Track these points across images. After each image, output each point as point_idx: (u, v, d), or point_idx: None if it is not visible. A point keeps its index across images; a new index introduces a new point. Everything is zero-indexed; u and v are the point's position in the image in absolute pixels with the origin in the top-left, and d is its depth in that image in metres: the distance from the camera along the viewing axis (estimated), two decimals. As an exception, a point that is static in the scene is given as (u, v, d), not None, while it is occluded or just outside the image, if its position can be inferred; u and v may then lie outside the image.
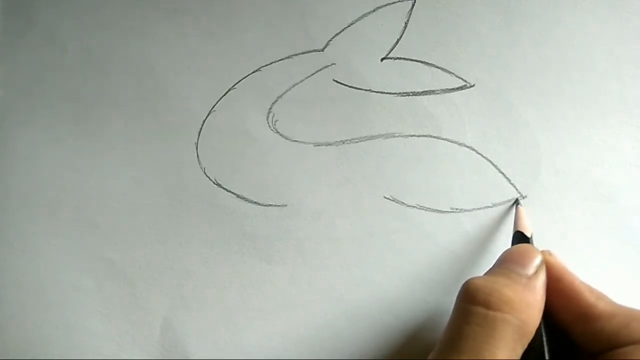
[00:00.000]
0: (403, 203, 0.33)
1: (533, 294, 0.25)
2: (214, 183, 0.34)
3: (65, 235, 0.35)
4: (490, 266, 0.28)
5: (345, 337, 0.33)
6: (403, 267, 0.33)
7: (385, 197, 0.33)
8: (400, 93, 0.34)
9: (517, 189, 0.33)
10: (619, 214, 0.32)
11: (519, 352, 0.24)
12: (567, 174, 0.33)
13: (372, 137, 0.34)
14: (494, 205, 0.33)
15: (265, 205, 0.34)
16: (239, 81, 0.34)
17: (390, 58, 0.34)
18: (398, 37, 0.34)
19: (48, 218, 0.35)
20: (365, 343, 0.33)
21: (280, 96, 0.34)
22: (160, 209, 0.34)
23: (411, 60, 0.34)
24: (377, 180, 0.34)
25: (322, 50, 0.34)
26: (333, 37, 0.34)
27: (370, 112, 0.34)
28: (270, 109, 0.34)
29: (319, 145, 0.34)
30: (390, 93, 0.34)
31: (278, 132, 0.34)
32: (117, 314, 0.34)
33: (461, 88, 0.33)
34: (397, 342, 0.32)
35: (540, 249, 0.28)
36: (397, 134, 0.34)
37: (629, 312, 0.25)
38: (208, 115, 0.34)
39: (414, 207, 0.33)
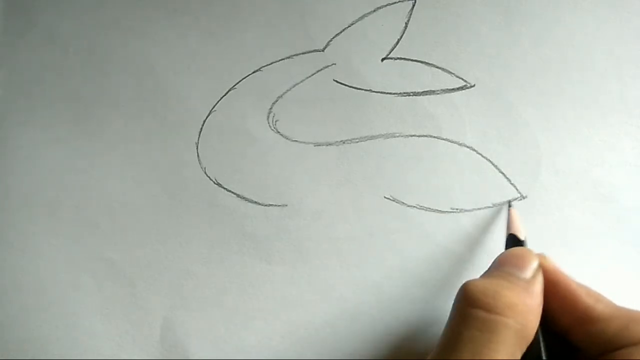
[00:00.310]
0: (403, 203, 0.33)
1: (532, 297, 0.25)
2: (214, 183, 0.34)
3: (65, 235, 0.35)
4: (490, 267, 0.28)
5: (345, 337, 0.33)
6: (403, 267, 0.33)
7: (385, 197, 0.33)
8: (400, 93, 0.34)
9: (517, 189, 0.33)
10: (619, 214, 0.32)
11: (518, 355, 0.24)
12: (567, 174, 0.33)
13: (372, 137, 0.34)
14: (494, 205, 0.33)
15: (265, 205, 0.34)
16: (239, 81, 0.34)
17: (391, 58, 0.34)
18: (398, 37, 0.34)
19: (48, 218, 0.35)
20: (365, 343, 0.33)
21: (281, 96, 0.34)
22: (160, 209, 0.34)
23: (411, 60, 0.34)
24: (377, 180, 0.34)
25: (323, 50, 0.34)
26: (333, 37, 0.34)
27: (371, 112, 0.34)
28: (270, 109, 0.34)
29: (319, 145, 0.34)
30: (390, 93, 0.34)
31: (278, 132, 0.34)
32: (117, 314, 0.34)
33: (461, 88, 0.33)
34: (396, 342, 0.32)
35: (535, 252, 0.28)
36: (397, 134, 0.34)
37: (628, 314, 0.25)
38: (208, 115, 0.34)
39: (414, 207, 0.33)
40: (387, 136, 0.34)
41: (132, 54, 0.35)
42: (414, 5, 0.34)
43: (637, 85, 0.33)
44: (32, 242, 0.35)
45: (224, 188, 0.34)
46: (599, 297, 0.26)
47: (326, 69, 0.34)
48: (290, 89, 0.34)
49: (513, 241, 0.30)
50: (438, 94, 0.33)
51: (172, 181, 0.34)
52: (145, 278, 0.34)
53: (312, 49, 0.34)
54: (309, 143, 0.34)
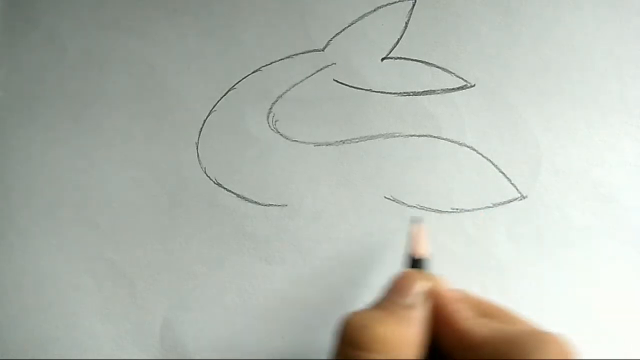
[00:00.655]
0: (403, 203, 0.33)
1: (408, 327, 0.24)
2: (214, 183, 0.34)
3: (65, 235, 0.35)
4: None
5: (345, 337, 0.33)
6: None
7: (385, 197, 0.33)
8: (400, 93, 0.34)
9: (517, 189, 0.33)
10: (619, 214, 0.32)
11: None
12: (567, 174, 0.33)
13: (372, 137, 0.34)
14: (494, 205, 0.33)
15: (265, 205, 0.34)
16: (239, 81, 0.34)
17: (391, 58, 0.34)
18: (398, 37, 0.34)
19: (48, 218, 0.35)
20: (365, 343, 0.33)
21: (281, 96, 0.34)
22: (160, 209, 0.34)
23: (411, 60, 0.34)
24: (377, 180, 0.34)
25: (323, 50, 0.34)
26: (333, 37, 0.34)
27: (371, 112, 0.34)
28: (270, 109, 0.34)
29: (319, 145, 0.34)
30: (390, 93, 0.34)
31: (278, 132, 0.34)
32: (117, 314, 0.34)
33: (461, 88, 0.33)
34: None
35: (430, 272, 0.28)
36: (397, 134, 0.34)
37: (504, 337, 0.24)
38: (208, 115, 0.35)
39: (414, 207, 0.33)
40: (387, 136, 0.34)
41: (132, 54, 0.35)
42: (414, 5, 0.34)
43: (637, 85, 0.33)
44: (32, 242, 0.35)
45: (224, 188, 0.34)
46: (480, 321, 0.25)
47: (326, 69, 0.34)
48: (290, 89, 0.34)
49: (412, 262, 0.29)
50: (438, 93, 0.33)
51: (172, 181, 0.34)
52: (145, 278, 0.34)
53: (312, 48, 0.34)
54: (308, 143, 0.34)
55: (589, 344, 0.32)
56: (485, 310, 0.26)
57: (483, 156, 0.33)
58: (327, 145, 0.34)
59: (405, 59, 0.34)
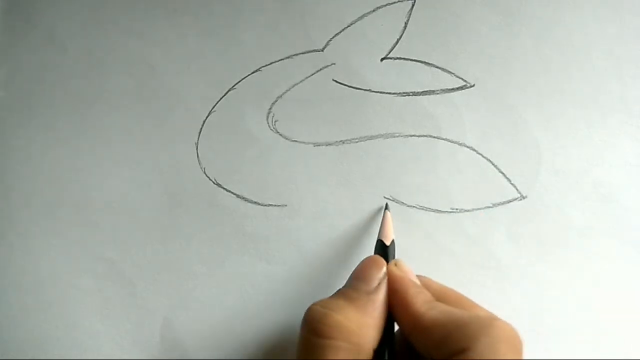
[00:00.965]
0: (403, 203, 0.33)
1: (368, 312, 0.25)
2: (214, 183, 0.34)
3: (65, 235, 0.35)
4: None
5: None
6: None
7: (385, 197, 0.33)
8: (400, 93, 0.34)
9: (517, 189, 0.33)
10: (619, 214, 0.32)
11: None
12: (567, 174, 0.33)
13: (372, 137, 0.34)
14: (494, 205, 0.33)
15: (265, 205, 0.34)
16: (239, 81, 0.34)
17: (390, 58, 0.34)
18: (398, 37, 0.34)
19: (48, 218, 0.35)
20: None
21: (280, 96, 0.34)
22: (160, 209, 0.34)
23: (411, 60, 0.34)
24: (377, 180, 0.34)
25: (322, 50, 0.34)
26: (333, 37, 0.34)
27: (370, 112, 0.34)
28: (270, 109, 0.34)
29: (319, 145, 0.34)
30: (390, 93, 0.34)
31: (278, 132, 0.34)
32: (117, 314, 0.34)
33: (461, 88, 0.33)
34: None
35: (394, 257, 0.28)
36: (397, 134, 0.34)
37: (453, 320, 0.24)
38: (208, 115, 0.34)
39: (414, 207, 0.33)
40: (386, 136, 0.34)
41: (132, 54, 0.35)
42: (413, 5, 0.33)
43: (637, 85, 0.33)
44: (32, 242, 0.35)
45: (224, 188, 0.34)
46: (434, 305, 0.26)
47: (326, 69, 0.34)
48: (290, 89, 0.34)
49: (379, 247, 0.30)
50: (438, 93, 0.33)
51: (172, 181, 0.34)
52: (145, 278, 0.34)
53: (312, 49, 0.34)
54: (308, 143, 0.34)
55: (589, 344, 0.32)
56: (444, 296, 0.27)
57: (483, 156, 0.33)
58: (327, 145, 0.34)
59: (404, 59, 0.34)
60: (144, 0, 0.35)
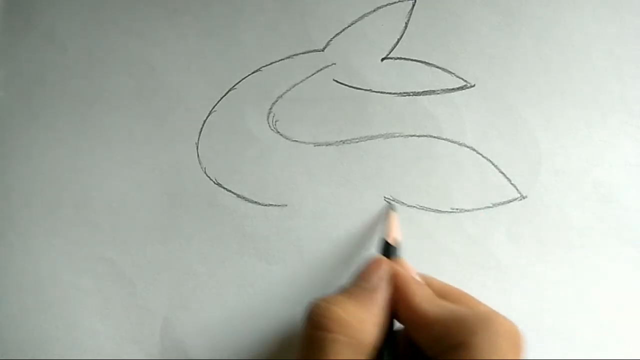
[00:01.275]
0: (403, 203, 0.33)
1: (368, 308, 0.26)
2: (214, 183, 0.34)
3: (65, 235, 0.35)
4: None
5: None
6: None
7: (385, 197, 0.33)
8: (400, 93, 0.34)
9: (517, 189, 0.33)
10: (619, 214, 0.32)
11: None
12: (567, 174, 0.33)
13: (372, 137, 0.34)
14: (494, 205, 0.33)
15: (265, 205, 0.34)
16: (240, 81, 0.34)
17: (391, 58, 0.34)
18: (398, 37, 0.34)
19: (48, 218, 0.35)
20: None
21: (281, 96, 0.34)
22: (160, 209, 0.34)
23: (411, 60, 0.34)
24: (377, 180, 0.34)
25: (322, 50, 0.34)
26: (333, 37, 0.34)
27: (370, 112, 0.34)
28: (270, 109, 0.34)
29: (319, 145, 0.34)
30: (390, 93, 0.34)
31: (278, 132, 0.34)
32: (117, 314, 0.34)
33: (461, 88, 0.33)
34: (397, 342, 0.32)
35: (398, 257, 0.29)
36: (397, 134, 0.34)
37: (453, 316, 0.25)
38: (208, 115, 0.35)
39: (414, 207, 0.33)
40: (386, 136, 0.34)
41: (132, 54, 0.35)
42: (413, 5, 0.33)
43: (637, 85, 0.33)
44: (32, 242, 0.35)
45: (224, 188, 0.34)
46: (434, 301, 0.26)
47: (326, 69, 0.34)
48: (290, 89, 0.34)
49: (383, 247, 0.30)
50: (438, 94, 0.33)
51: (172, 181, 0.34)
52: (145, 278, 0.34)
53: (312, 49, 0.34)
54: (309, 143, 0.34)
55: (589, 344, 0.32)
56: (446, 293, 0.28)
57: (483, 156, 0.33)
58: (327, 145, 0.34)
59: (405, 59, 0.34)
60: (144, 0, 0.35)
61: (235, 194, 0.34)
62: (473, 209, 0.33)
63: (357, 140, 0.34)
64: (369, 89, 0.34)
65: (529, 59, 0.33)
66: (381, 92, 0.34)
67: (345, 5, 0.34)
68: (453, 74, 0.33)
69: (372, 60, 0.34)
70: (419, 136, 0.33)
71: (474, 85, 0.33)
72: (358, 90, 0.34)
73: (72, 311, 0.34)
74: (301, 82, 0.34)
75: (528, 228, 0.33)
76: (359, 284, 0.27)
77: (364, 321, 0.25)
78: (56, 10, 0.36)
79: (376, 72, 0.34)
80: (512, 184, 0.33)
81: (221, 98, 0.35)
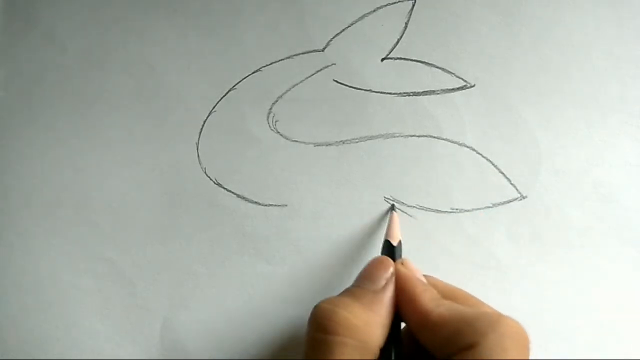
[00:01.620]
0: (403, 203, 0.33)
1: (374, 310, 0.26)
2: (214, 183, 0.34)
3: (65, 235, 0.35)
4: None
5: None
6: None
7: (385, 197, 0.33)
8: (400, 93, 0.34)
9: (517, 189, 0.33)
10: (619, 214, 0.32)
11: None
12: (567, 174, 0.33)
13: (372, 137, 0.34)
14: (494, 205, 0.33)
15: (265, 205, 0.34)
16: (240, 81, 0.34)
17: (391, 58, 0.34)
18: (398, 37, 0.34)
19: (48, 218, 0.35)
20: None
21: (281, 96, 0.34)
22: (160, 209, 0.34)
23: (411, 60, 0.34)
24: (377, 180, 0.34)
25: (322, 51, 0.34)
26: (333, 37, 0.34)
27: (370, 112, 0.34)
28: (270, 109, 0.34)
29: (319, 145, 0.34)
30: (390, 93, 0.34)
31: (278, 132, 0.34)
32: (117, 314, 0.34)
33: (461, 88, 0.33)
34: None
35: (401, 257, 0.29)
36: (397, 134, 0.34)
37: (462, 317, 0.25)
38: (208, 115, 0.34)
39: (414, 207, 0.33)
40: (386, 136, 0.34)
41: (132, 54, 0.35)
42: (413, 5, 0.34)
43: (637, 85, 0.33)
44: (32, 242, 0.35)
45: (224, 188, 0.34)
46: (441, 302, 0.26)
47: (326, 69, 0.34)
48: (290, 89, 0.34)
49: (387, 247, 0.30)
50: (438, 94, 0.33)
51: (172, 181, 0.34)
52: (145, 278, 0.34)
53: (312, 49, 0.34)
54: (308, 143, 0.34)
55: (589, 344, 0.32)
56: (451, 295, 0.27)
57: (483, 156, 0.33)
58: (327, 145, 0.34)
59: (405, 59, 0.34)
60: (144, 0, 0.35)
61: (235, 194, 0.34)
62: (473, 209, 0.33)
63: (357, 140, 0.34)
64: (368, 89, 0.34)
65: (529, 59, 0.33)
66: (381, 92, 0.34)
67: (345, 5, 0.34)
68: (453, 74, 0.33)
69: (372, 60, 0.34)
70: (419, 136, 0.33)
71: (474, 85, 0.33)
72: (358, 91, 0.34)
73: (72, 311, 0.34)
74: (301, 82, 0.34)
75: (528, 228, 0.33)
76: (364, 286, 0.27)
77: (371, 323, 0.25)
78: (56, 10, 0.36)
79: (376, 72, 0.34)
80: (512, 184, 0.33)
81: (221, 98, 0.35)
